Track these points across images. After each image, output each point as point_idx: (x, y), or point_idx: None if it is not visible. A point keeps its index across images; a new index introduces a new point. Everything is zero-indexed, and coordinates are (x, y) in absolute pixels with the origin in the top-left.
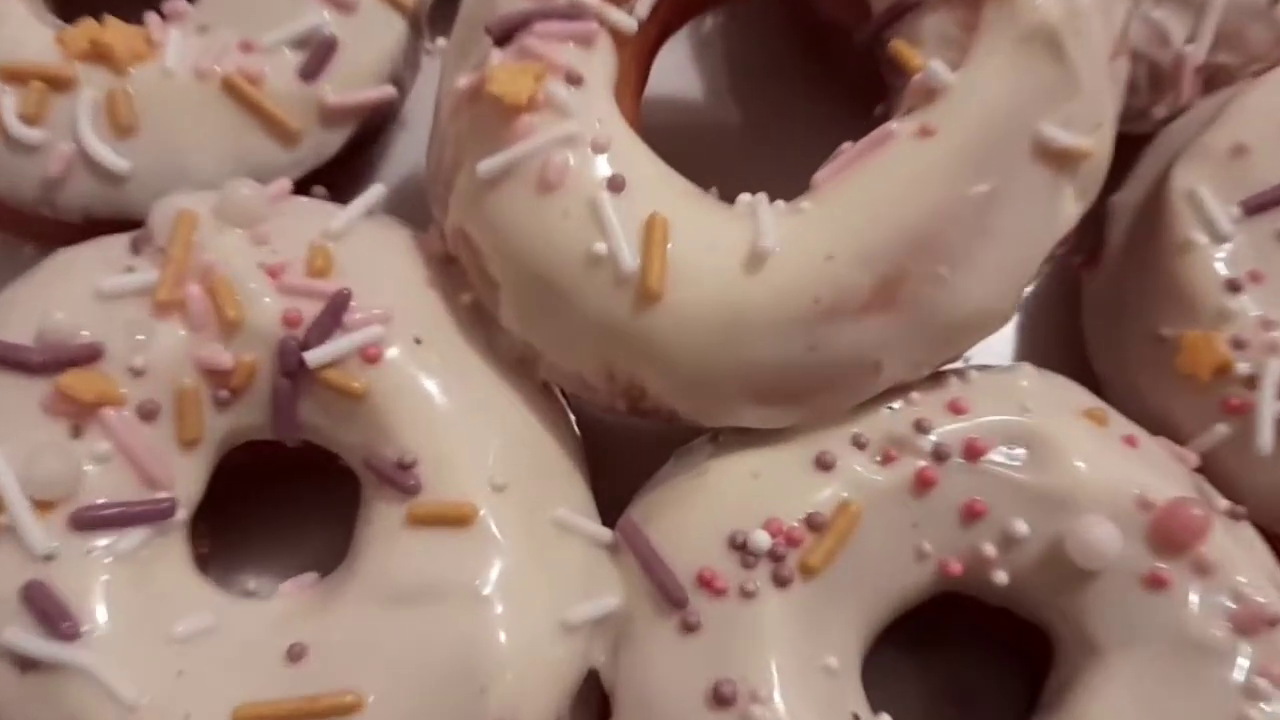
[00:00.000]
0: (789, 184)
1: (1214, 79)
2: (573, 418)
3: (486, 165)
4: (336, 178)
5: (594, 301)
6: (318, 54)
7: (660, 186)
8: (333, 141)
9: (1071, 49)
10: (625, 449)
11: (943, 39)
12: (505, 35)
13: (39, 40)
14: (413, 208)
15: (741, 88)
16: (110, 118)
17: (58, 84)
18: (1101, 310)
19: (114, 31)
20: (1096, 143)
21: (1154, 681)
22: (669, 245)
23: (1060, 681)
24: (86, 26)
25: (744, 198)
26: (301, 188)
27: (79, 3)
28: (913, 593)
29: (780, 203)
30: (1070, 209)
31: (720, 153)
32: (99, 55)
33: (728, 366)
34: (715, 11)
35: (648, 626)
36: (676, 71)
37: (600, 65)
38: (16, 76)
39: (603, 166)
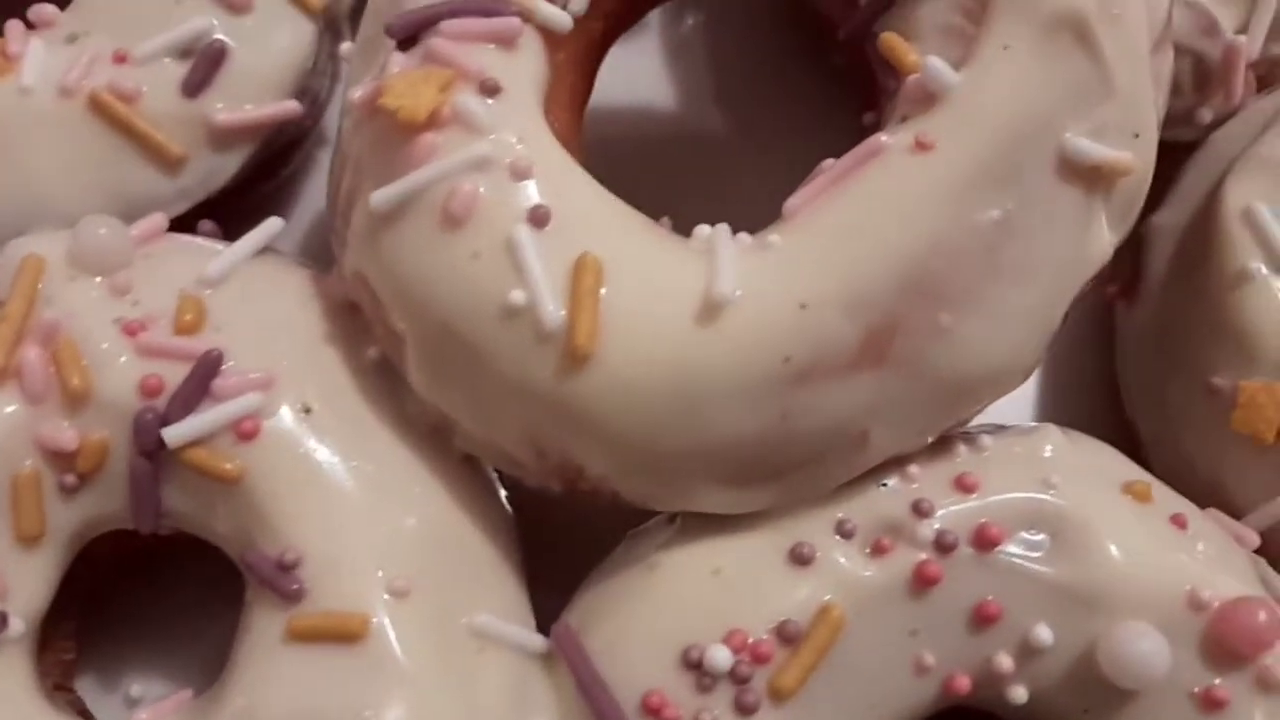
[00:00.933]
0: (764, 210)
1: (1268, 76)
2: (503, 492)
3: (380, 196)
4: (239, 208)
5: (513, 363)
6: (203, 64)
7: (596, 219)
8: (226, 167)
9: (1105, 40)
10: (574, 520)
11: (944, 30)
12: (409, 36)
13: None
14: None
15: (713, 95)
16: None
17: None
18: (1140, 352)
19: None
20: (1136, 155)
21: None
22: (603, 291)
23: None
24: None
25: (701, 230)
26: (191, 222)
27: None
28: (910, 715)
29: (745, 236)
30: (1104, 238)
31: (684, 173)
32: None
33: (680, 442)
34: (689, 9)
35: None
36: (636, 77)
37: (525, 71)
38: None
39: (523, 195)
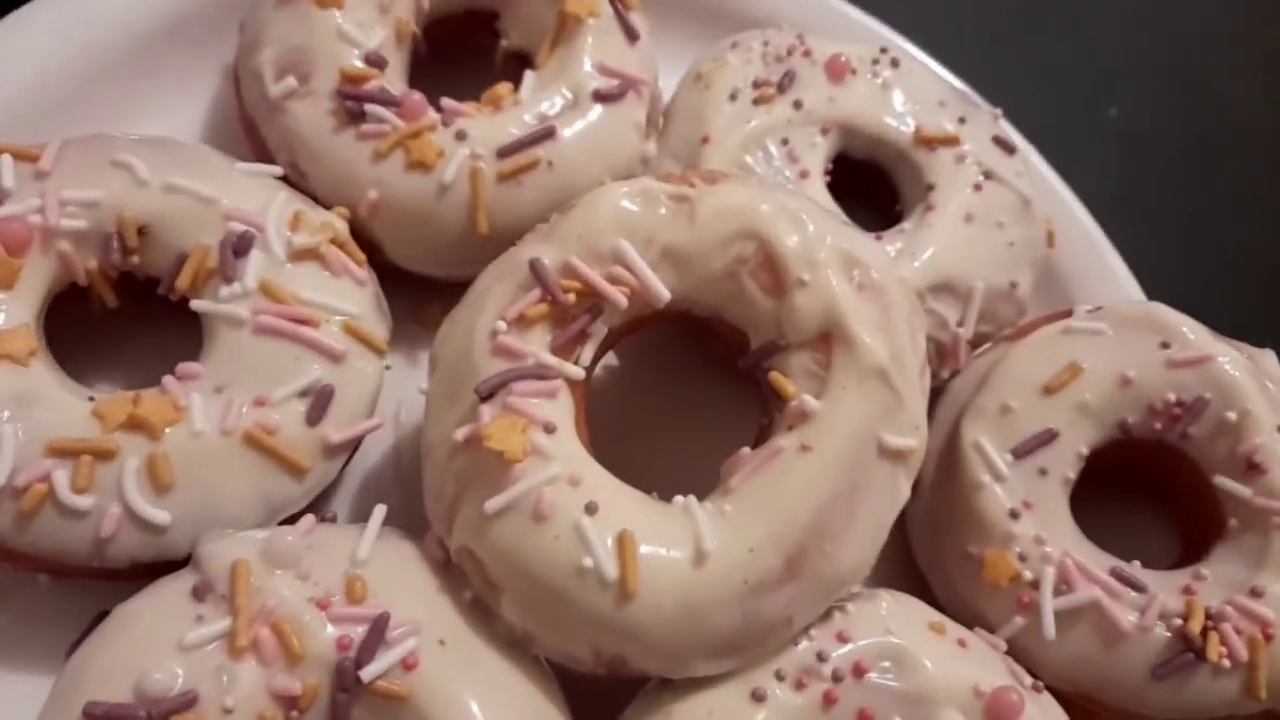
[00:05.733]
0: (702, 473)
1: (977, 342)
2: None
3: (493, 504)
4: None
5: (584, 603)
6: (319, 401)
7: (623, 503)
8: (333, 469)
9: (896, 379)
10: (588, 693)
11: (806, 372)
12: (490, 393)
13: (76, 413)
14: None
15: (648, 398)
16: (151, 479)
17: (102, 455)
18: (922, 531)
19: (148, 404)
20: (918, 440)
21: None
22: (640, 550)
23: None
24: (120, 400)
25: (678, 500)
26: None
27: (79, 347)
28: None
29: (708, 504)
30: (905, 488)
31: (645, 449)
32: (136, 425)
33: (689, 638)
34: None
35: None
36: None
37: (564, 410)
38: (66, 452)
39: (579, 497)
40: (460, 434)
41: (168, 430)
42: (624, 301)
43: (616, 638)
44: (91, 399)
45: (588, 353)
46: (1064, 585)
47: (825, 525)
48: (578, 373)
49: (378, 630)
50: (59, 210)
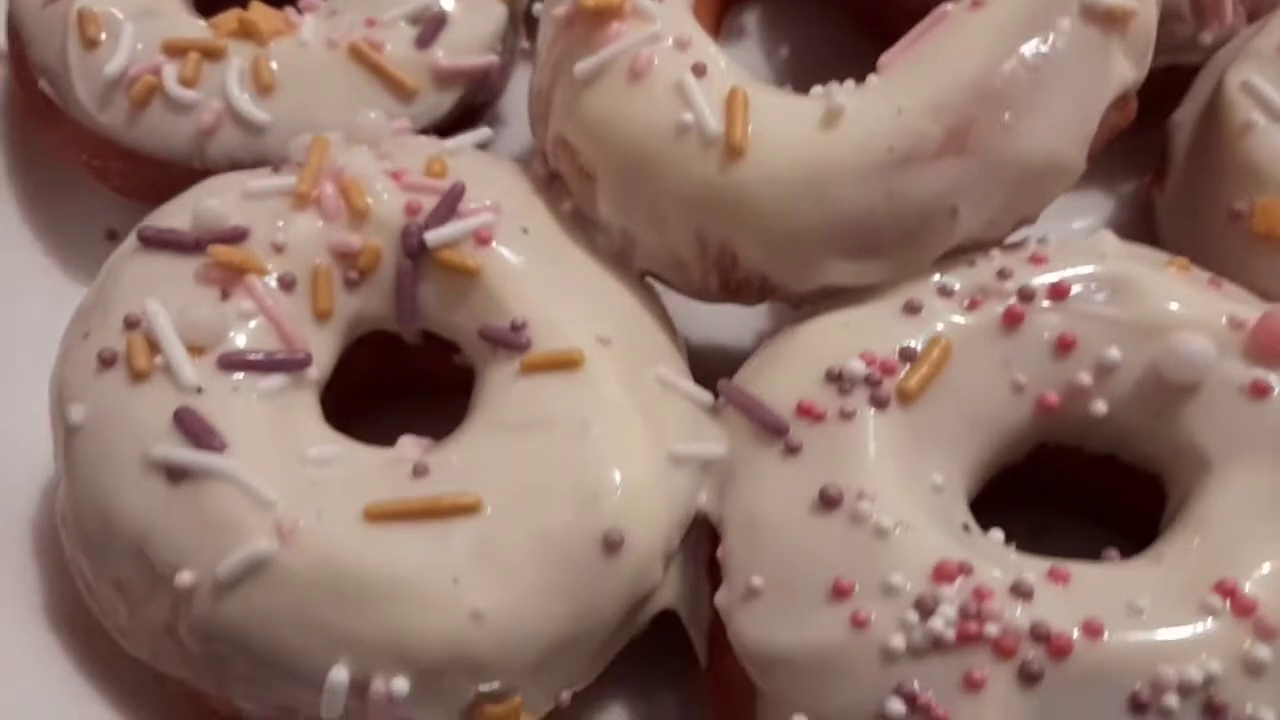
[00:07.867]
0: None
1: (1257, 8)
2: None
3: (582, 66)
4: None
5: (684, 167)
6: (431, 25)
7: (739, 73)
8: (444, 102)
9: None
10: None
11: None
12: None
13: (194, 27)
14: None
15: (793, 69)
16: (254, 79)
17: (211, 54)
18: (1175, 216)
19: (258, 12)
20: (1140, 3)
21: (1269, 485)
22: (750, 115)
23: (1173, 509)
24: (234, 12)
25: (816, 88)
26: None
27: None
28: (1013, 429)
29: (849, 83)
30: (1122, 66)
31: None
32: (245, 32)
33: (813, 219)
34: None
35: (751, 459)
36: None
37: None
38: (176, 50)
39: (686, 56)
40: (559, 10)
41: (275, 41)
42: None
43: (723, 214)
44: None
45: None
46: None
47: (1002, 89)
48: None
49: (451, 199)
50: None
